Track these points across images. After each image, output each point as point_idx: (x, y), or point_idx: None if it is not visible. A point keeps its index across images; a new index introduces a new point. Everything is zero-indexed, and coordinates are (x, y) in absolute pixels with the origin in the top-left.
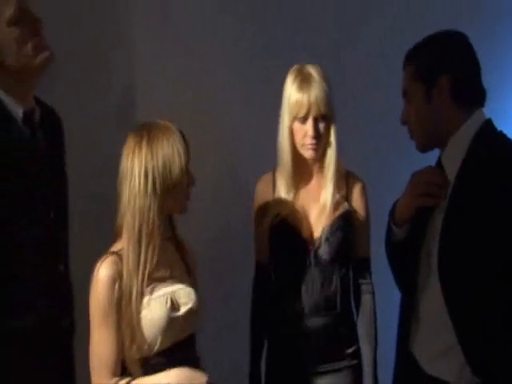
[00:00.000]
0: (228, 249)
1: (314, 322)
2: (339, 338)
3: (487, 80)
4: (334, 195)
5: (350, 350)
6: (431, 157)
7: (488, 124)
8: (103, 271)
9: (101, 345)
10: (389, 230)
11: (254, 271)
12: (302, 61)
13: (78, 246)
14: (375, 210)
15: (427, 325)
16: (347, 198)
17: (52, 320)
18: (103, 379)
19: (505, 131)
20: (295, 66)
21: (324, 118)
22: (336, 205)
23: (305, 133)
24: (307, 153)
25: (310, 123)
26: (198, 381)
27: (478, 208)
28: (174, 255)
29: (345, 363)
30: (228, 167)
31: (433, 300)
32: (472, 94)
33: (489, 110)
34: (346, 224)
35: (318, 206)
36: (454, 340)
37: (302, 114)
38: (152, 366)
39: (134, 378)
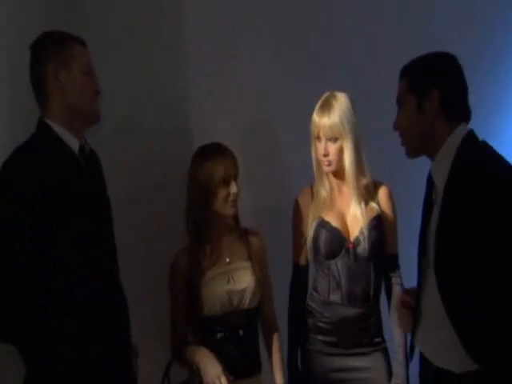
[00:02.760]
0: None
1: (351, 311)
2: (370, 327)
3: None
4: (361, 204)
5: (377, 340)
6: None
7: (470, 134)
8: (174, 262)
9: (171, 312)
10: None
11: (292, 271)
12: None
13: None
14: None
15: (428, 320)
16: (377, 202)
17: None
18: (173, 336)
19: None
20: (327, 92)
21: (336, 139)
22: (369, 208)
23: (319, 151)
24: (323, 168)
25: (321, 143)
26: (211, 372)
27: (466, 208)
28: (235, 243)
29: (374, 348)
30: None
31: (432, 296)
32: (459, 109)
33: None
34: (378, 225)
35: (352, 211)
36: (452, 332)
37: (315, 133)
38: (208, 328)
39: (189, 344)
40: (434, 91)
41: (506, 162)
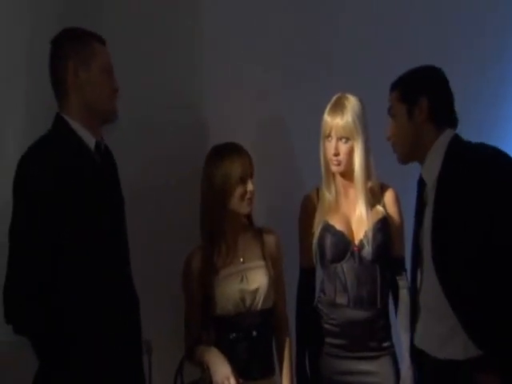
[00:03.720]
0: None
1: (358, 314)
2: (377, 331)
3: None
4: (367, 207)
5: (385, 344)
6: None
7: (456, 137)
8: (187, 261)
9: (185, 311)
10: None
11: (300, 274)
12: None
13: None
14: None
15: (428, 314)
16: (383, 205)
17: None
18: (187, 336)
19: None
20: (338, 94)
21: (347, 139)
22: (375, 211)
23: (329, 150)
24: (332, 168)
25: (332, 142)
26: (221, 373)
27: (458, 203)
28: (249, 243)
29: (382, 352)
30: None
31: (430, 292)
32: (446, 115)
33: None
34: (384, 228)
35: (357, 214)
36: (454, 321)
37: (327, 133)
38: (221, 328)
39: (202, 343)
40: (423, 99)
41: (492, 157)
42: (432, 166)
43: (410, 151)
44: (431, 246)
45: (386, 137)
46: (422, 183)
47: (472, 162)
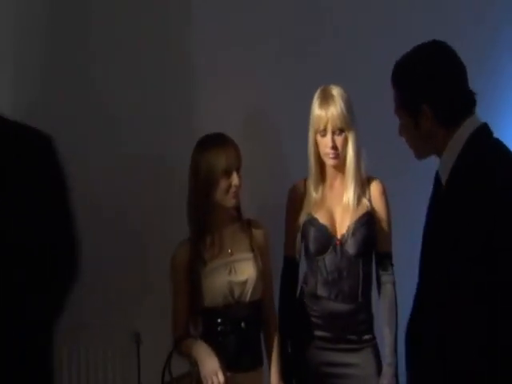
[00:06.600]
0: None
1: (339, 307)
2: (358, 325)
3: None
4: (355, 195)
5: (366, 337)
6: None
7: (480, 131)
8: (175, 253)
9: (173, 304)
10: None
11: (284, 264)
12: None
13: None
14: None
15: None
16: (369, 199)
17: None
18: (174, 328)
19: None
20: (321, 87)
21: (341, 130)
22: (359, 205)
23: (325, 144)
24: (329, 161)
25: (328, 136)
26: (209, 367)
27: (455, 218)
28: (237, 235)
29: (363, 345)
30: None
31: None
32: (455, 111)
33: None
34: (368, 222)
35: (343, 206)
36: None
37: (321, 128)
38: (210, 320)
39: (190, 336)
40: (424, 106)
41: (506, 169)
42: (446, 164)
43: (426, 152)
44: (421, 255)
45: (399, 133)
46: (437, 179)
47: (481, 168)
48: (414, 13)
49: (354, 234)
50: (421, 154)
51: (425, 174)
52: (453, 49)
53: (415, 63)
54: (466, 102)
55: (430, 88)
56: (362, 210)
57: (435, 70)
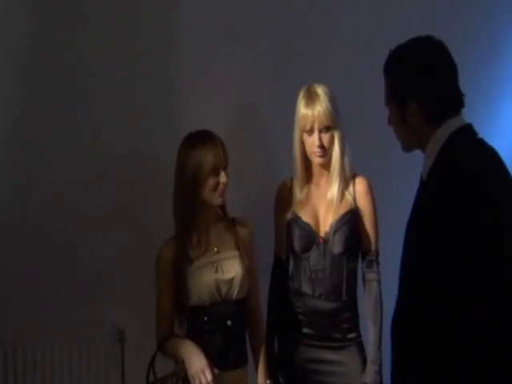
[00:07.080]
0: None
1: (323, 304)
2: (342, 323)
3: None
4: (339, 191)
5: (350, 335)
6: None
7: (461, 130)
8: (160, 252)
9: (157, 302)
10: None
11: (273, 262)
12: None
13: None
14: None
15: None
16: (354, 196)
17: None
18: (158, 327)
19: None
20: (305, 86)
21: (328, 128)
22: (343, 203)
23: (312, 143)
24: (316, 160)
25: (315, 135)
26: (196, 366)
27: (432, 220)
28: (223, 233)
29: (347, 343)
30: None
31: None
32: (441, 111)
33: None
34: (351, 219)
35: (327, 203)
36: None
37: (308, 127)
38: (196, 319)
39: (175, 336)
40: (412, 103)
41: (489, 167)
42: (427, 162)
43: (411, 144)
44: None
45: (388, 123)
46: (421, 177)
47: (459, 170)
48: (402, 11)
49: (336, 231)
50: (407, 146)
51: (413, 171)
52: (446, 46)
53: (408, 59)
54: (454, 102)
55: (418, 86)
56: (345, 208)
57: (426, 68)
